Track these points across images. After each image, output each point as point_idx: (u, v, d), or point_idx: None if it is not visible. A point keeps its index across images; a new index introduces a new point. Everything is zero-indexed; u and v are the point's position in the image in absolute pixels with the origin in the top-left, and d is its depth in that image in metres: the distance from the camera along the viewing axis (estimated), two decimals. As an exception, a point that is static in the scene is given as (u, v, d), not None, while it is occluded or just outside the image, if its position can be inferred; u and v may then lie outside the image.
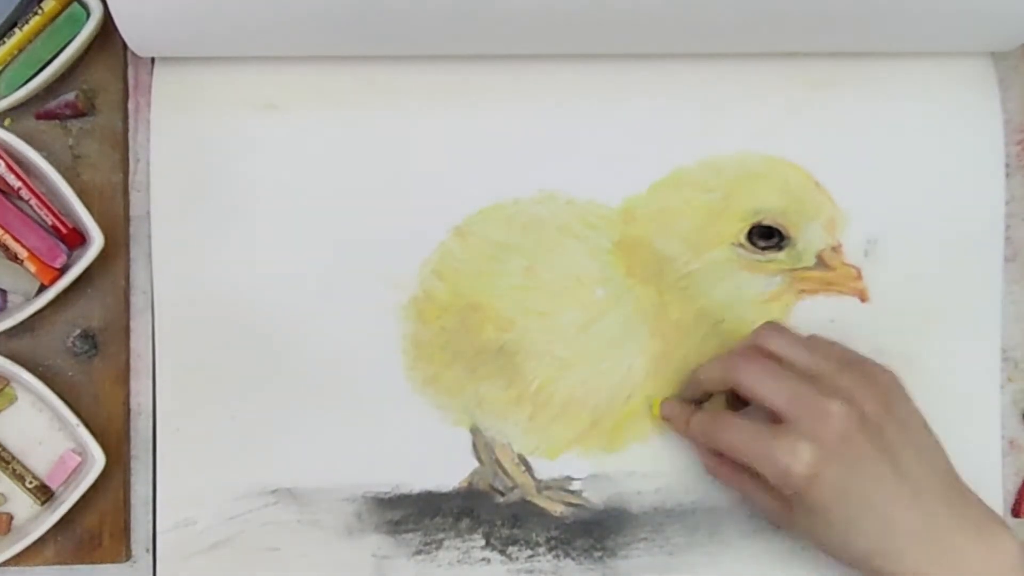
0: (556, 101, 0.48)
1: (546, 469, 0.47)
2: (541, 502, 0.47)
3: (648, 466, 0.47)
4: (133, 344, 0.47)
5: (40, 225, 0.46)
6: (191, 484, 0.46)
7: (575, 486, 0.47)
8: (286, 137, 0.47)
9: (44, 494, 0.45)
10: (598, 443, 0.47)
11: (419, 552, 0.47)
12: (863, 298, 0.48)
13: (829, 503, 0.40)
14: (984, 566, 0.39)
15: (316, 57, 0.47)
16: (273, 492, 0.47)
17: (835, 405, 0.39)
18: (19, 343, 0.46)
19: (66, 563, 0.46)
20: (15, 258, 0.45)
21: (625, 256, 0.48)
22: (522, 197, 0.48)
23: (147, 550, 0.47)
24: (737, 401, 0.44)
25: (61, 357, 0.46)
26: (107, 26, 0.45)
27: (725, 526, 0.47)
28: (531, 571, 0.47)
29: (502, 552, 0.47)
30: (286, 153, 0.47)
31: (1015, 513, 0.48)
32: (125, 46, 0.46)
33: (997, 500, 0.47)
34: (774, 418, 0.41)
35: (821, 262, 0.48)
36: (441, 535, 0.47)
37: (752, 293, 0.47)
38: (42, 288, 0.45)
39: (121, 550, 0.46)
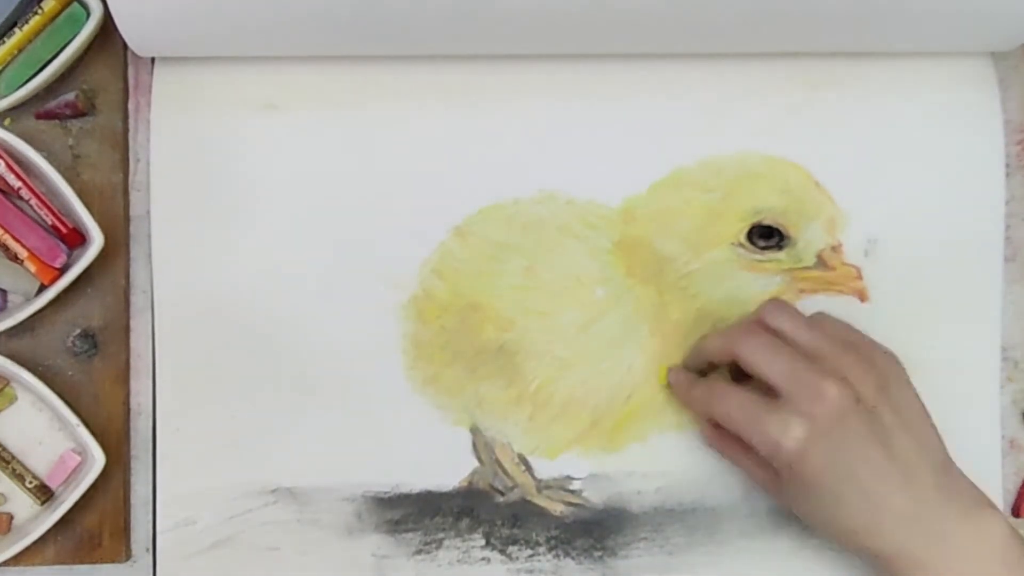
0: (556, 101, 0.48)
1: (546, 469, 0.47)
2: (541, 502, 0.47)
3: (648, 466, 0.47)
4: (133, 344, 0.47)
5: (40, 225, 0.46)
6: (191, 484, 0.46)
7: (575, 486, 0.47)
8: (286, 137, 0.47)
9: (44, 494, 0.45)
10: (598, 443, 0.47)
11: (419, 552, 0.47)
12: (863, 298, 0.48)
13: (817, 479, 0.40)
14: (971, 547, 0.39)
15: (316, 57, 0.47)
16: (273, 492, 0.47)
17: (830, 384, 0.40)
18: (19, 343, 0.46)
19: (66, 563, 0.46)
20: (15, 258, 0.45)
21: (625, 256, 0.48)
22: (522, 197, 0.48)
23: (147, 550, 0.47)
24: (740, 375, 0.44)
25: (61, 357, 0.46)
26: (107, 26, 0.45)
27: (725, 526, 0.47)
28: (531, 571, 0.47)
29: (502, 552, 0.47)
30: (286, 153, 0.47)
31: (1015, 513, 0.48)
32: (125, 46, 0.46)
33: (997, 500, 0.47)
34: (772, 393, 0.41)
35: (821, 262, 0.48)
36: (441, 535, 0.47)
37: (752, 293, 0.47)
38: (42, 288, 0.45)
39: (121, 550, 0.46)
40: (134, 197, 0.48)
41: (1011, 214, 0.48)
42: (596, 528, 0.47)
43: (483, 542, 0.47)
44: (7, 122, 0.46)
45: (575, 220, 0.48)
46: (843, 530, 0.41)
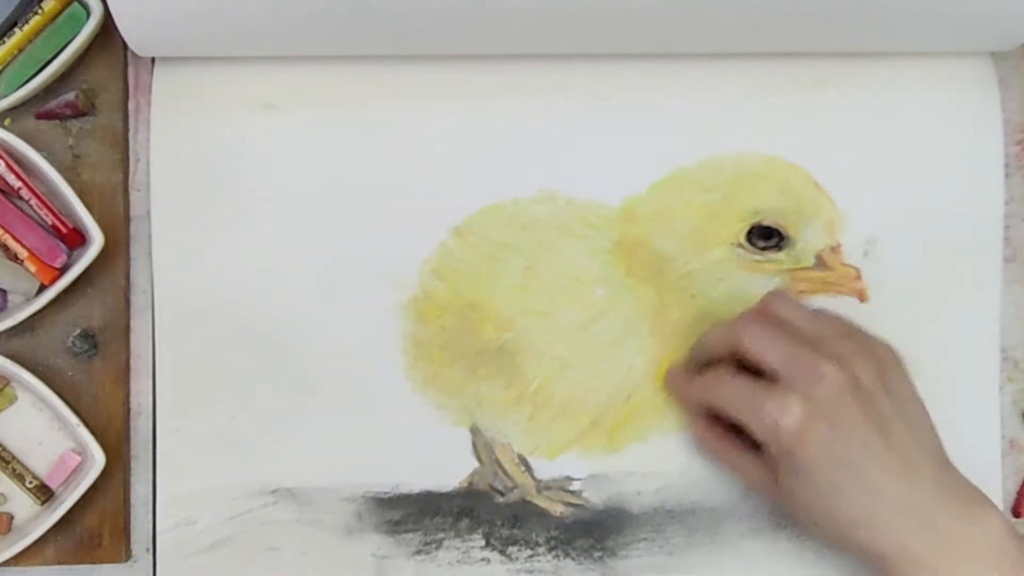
0: (556, 101, 0.48)
1: (546, 469, 0.47)
2: (541, 502, 0.47)
3: (648, 466, 0.47)
4: (133, 344, 0.47)
5: (40, 225, 0.46)
6: (191, 484, 0.46)
7: (575, 486, 0.47)
8: (286, 137, 0.47)
9: (44, 494, 0.45)
10: (598, 443, 0.47)
11: (419, 552, 0.47)
12: (862, 298, 0.48)
13: (814, 463, 0.40)
14: (970, 543, 0.39)
15: (316, 57, 0.47)
16: (273, 492, 0.47)
17: (829, 366, 0.40)
18: (19, 343, 0.46)
19: (66, 563, 0.46)
20: (15, 258, 0.45)
21: (625, 256, 0.48)
22: (522, 197, 0.48)
23: (147, 550, 0.47)
24: (742, 370, 0.44)
25: (61, 357, 0.46)
26: (107, 26, 0.45)
27: (725, 526, 0.47)
28: (531, 571, 0.47)
29: (502, 552, 0.47)
30: (286, 153, 0.47)
31: (1015, 513, 0.48)
32: (125, 46, 0.46)
33: (997, 500, 0.47)
34: (773, 382, 0.41)
35: (820, 262, 0.48)
36: (441, 535, 0.47)
37: (752, 293, 0.47)
38: (42, 288, 0.45)
39: (121, 550, 0.46)
40: (134, 197, 0.48)
41: (1011, 214, 0.48)
42: (596, 528, 0.47)
43: (483, 542, 0.47)
44: (7, 122, 0.46)
45: (575, 220, 0.48)
46: (840, 523, 0.40)
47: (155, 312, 0.47)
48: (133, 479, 0.47)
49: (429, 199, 0.47)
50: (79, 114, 0.47)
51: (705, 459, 0.47)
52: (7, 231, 0.45)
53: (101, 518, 0.46)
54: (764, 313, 0.44)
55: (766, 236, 0.48)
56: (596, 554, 0.47)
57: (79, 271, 0.44)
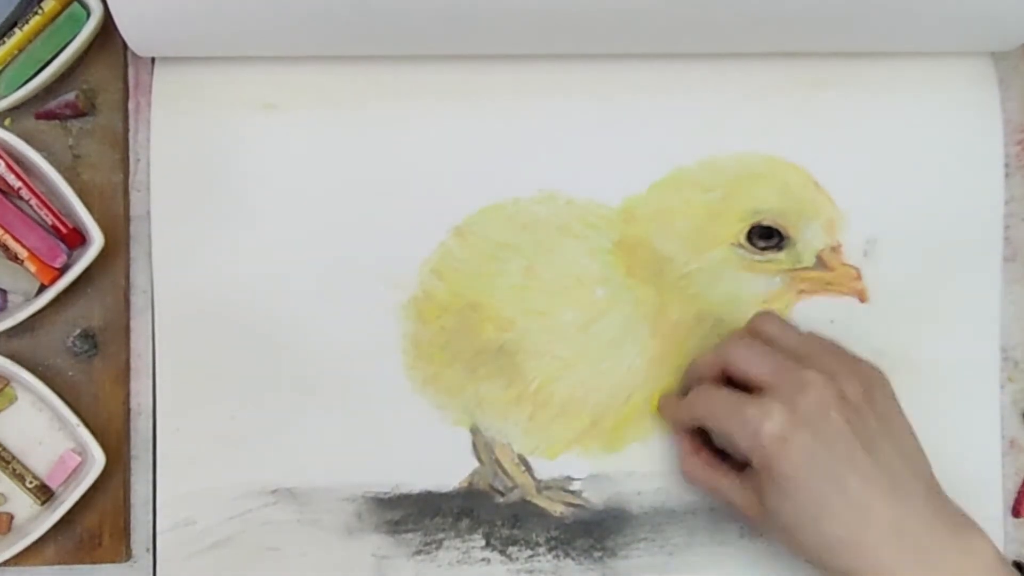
0: (556, 101, 0.48)
1: (546, 469, 0.47)
2: (541, 502, 0.47)
3: (648, 466, 0.47)
4: (133, 344, 0.47)
5: (40, 225, 0.46)
6: (191, 484, 0.46)
7: (575, 486, 0.47)
8: (286, 137, 0.47)
9: (44, 494, 0.45)
10: (598, 443, 0.47)
11: (419, 552, 0.47)
12: (862, 298, 0.48)
13: (797, 474, 0.39)
14: (958, 566, 0.38)
15: (316, 57, 0.47)
16: (273, 492, 0.47)
17: (815, 376, 0.40)
18: (19, 343, 0.46)
19: (66, 563, 0.46)
20: (15, 258, 0.45)
21: (625, 256, 0.48)
22: (522, 197, 0.48)
23: (147, 550, 0.47)
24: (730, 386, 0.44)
25: (61, 357, 0.46)
26: (107, 26, 0.45)
27: (725, 526, 0.47)
28: (531, 571, 0.47)
29: (502, 552, 0.47)
30: (286, 153, 0.47)
31: (1015, 513, 0.48)
32: (125, 46, 0.46)
33: (997, 500, 0.47)
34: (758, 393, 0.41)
35: (821, 262, 0.48)
36: (441, 535, 0.47)
37: (752, 293, 0.47)
38: (42, 288, 0.45)
39: (121, 550, 0.46)
40: (134, 197, 0.48)
41: (1011, 214, 0.48)
42: (596, 528, 0.47)
43: (483, 542, 0.47)
44: (7, 122, 0.46)
45: (575, 220, 0.48)
46: (824, 544, 0.39)
47: (155, 312, 0.47)
48: (133, 479, 0.47)
49: (429, 199, 0.47)
50: (79, 114, 0.47)
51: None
52: (7, 231, 0.45)
53: (101, 518, 0.46)
54: (752, 331, 0.44)
55: (766, 236, 0.48)
56: (596, 554, 0.47)
57: (79, 271, 0.44)
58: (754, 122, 0.48)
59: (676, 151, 0.48)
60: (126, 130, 0.47)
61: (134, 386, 0.47)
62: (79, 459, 0.46)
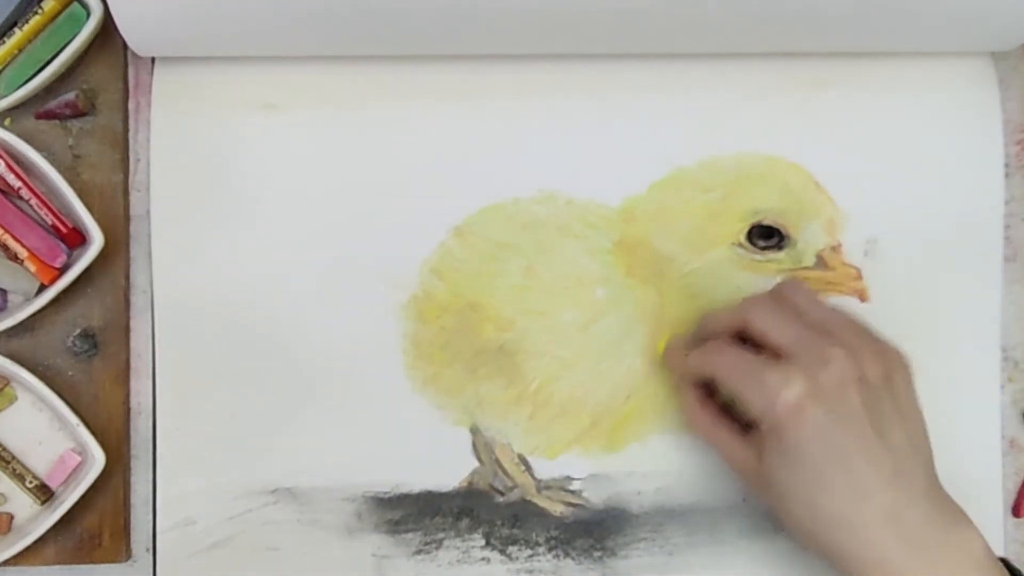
0: (556, 101, 0.48)
1: (546, 469, 0.47)
2: (541, 502, 0.47)
3: (648, 466, 0.47)
4: (133, 344, 0.47)
5: (40, 225, 0.46)
6: (191, 484, 0.46)
7: (575, 486, 0.47)
8: (286, 137, 0.47)
9: (44, 494, 0.45)
10: (598, 443, 0.47)
11: (419, 552, 0.47)
12: (863, 298, 0.48)
13: (805, 445, 0.39)
14: (950, 559, 0.38)
15: (316, 57, 0.47)
16: (273, 492, 0.47)
17: (838, 352, 0.39)
18: (19, 343, 0.46)
19: (66, 563, 0.46)
20: (15, 258, 0.45)
21: (625, 256, 0.48)
22: (522, 197, 0.48)
23: (147, 550, 0.47)
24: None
25: (61, 357, 0.46)
26: (107, 26, 0.45)
27: (725, 526, 0.47)
28: (531, 571, 0.47)
29: (502, 552, 0.47)
30: (286, 153, 0.47)
31: (1015, 513, 0.48)
32: (125, 46, 0.46)
33: (997, 500, 0.47)
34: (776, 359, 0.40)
35: (821, 262, 0.48)
36: (441, 535, 0.47)
37: (752, 293, 0.47)
38: (42, 288, 0.45)
39: (121, 550, 0.46)
40: (134, 197, 0.48)
41: (1011, 214, 0.48)
42: (596, 528, 0.47)
43: (483, 542, 0.47)
44: (7, 122, 0.46)
45: (575, 220, 0.48)
46: (819, 519, 0.39)
47: (155, 312, 0.47)
48: (133, 479, 0.47)
49: (429, 199, 0.47)
50: (79, 114, 0.47)
51: (708, 458, 0.47)
52: (7, 231, 0.45)
53: (101, 518, 0.46)
54: (776, 296, 0.43)
55: (766, 236, 0.48)
56: (596, 554, 0.47)
57: (79, 271, 0.44)
58: (754, 122, 0.48)
59: (676, 151, 0.48)
60: (126, 130, 0.47)
61: (134, 386, 0.47)
62: (79, 459, 0.46)
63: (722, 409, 0.44)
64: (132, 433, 0.47)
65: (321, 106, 0.47)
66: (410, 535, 0.47)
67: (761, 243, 0.48)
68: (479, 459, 0.47)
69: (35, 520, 0.45)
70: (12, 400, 0.46)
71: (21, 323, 0.44)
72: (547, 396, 0.47)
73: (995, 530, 0.47)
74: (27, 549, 0.44)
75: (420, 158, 0.48)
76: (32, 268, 0.45)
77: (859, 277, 0.48)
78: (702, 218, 0.48)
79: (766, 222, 0.48)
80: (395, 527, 0.47)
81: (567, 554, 0.47)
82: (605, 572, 0.47)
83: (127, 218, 0.47)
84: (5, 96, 0.45)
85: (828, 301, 0.43)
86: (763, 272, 0.48)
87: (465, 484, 0.47)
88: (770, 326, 0.41)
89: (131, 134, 0.48)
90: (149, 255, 0.47)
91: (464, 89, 0.48)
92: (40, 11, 0.45)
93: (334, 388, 0.47)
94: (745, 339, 0.42)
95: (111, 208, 0.47)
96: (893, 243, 0.48)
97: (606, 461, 0.47)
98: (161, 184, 0.47)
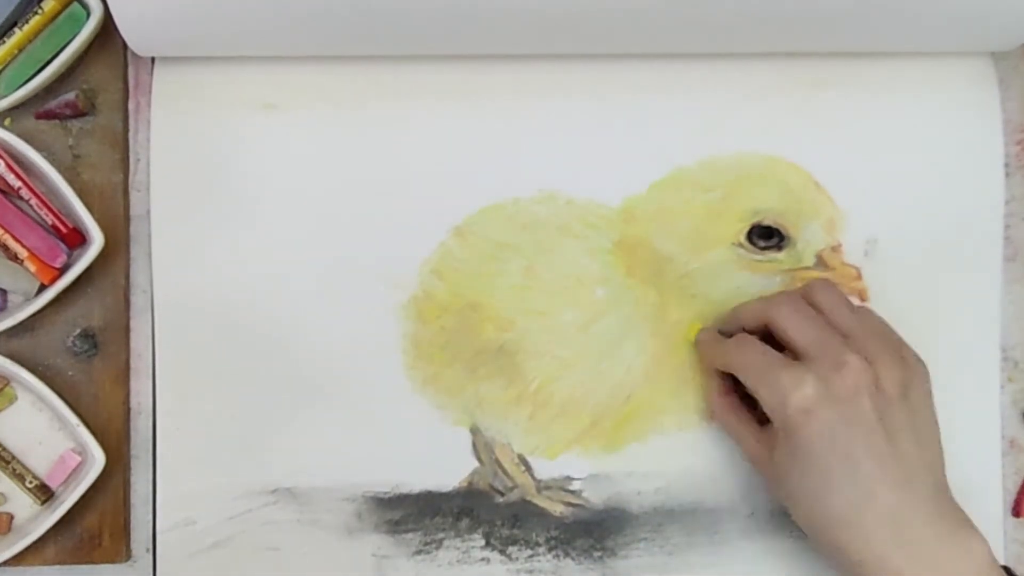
0: (556, 101, 0.48)
1: (546, 469, 0.47)
2: (541, 502, 0.47)
3: (648, 466, 0.47)
4: (133, 344, 0.47)
5: (40, 225, 0.46)
6: (191, 484, 0.46)
7: (575, 486, 0.47)
8: (286, 137, 0.47)
9: (44, 494, 0.45)
10: (598, 443, 0.47)
11: (419, 552, 0.47)
12: (863, 298, 0.48)
13: (813, 447, 0.39)
14: (952, 564, 0.38)
15: (316, 57, 0.47)
16: (273, 492, 0.47)
17: (855, 358, 0.40)
18: (19, 343, 0.46)
19: (66, 563, 0.46)
20: (15, 258, 0.45)
21: (625, 256, 0.48)
22: (522, 197, 0.48)
23: (147, 550, 0.47)
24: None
25: (61, 357, 0.46)
26: (107, 26, 0.45)
27: (725, 526, 0.47)
28: (531, 571, 0.47)
29: (502, 552, 0.47)
30: (286, 153, 0.47)
31: (1015, 513, 0.48)
32: (125, 46, 0.46)
33: (997, 500, 0.47)
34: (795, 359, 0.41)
35: (821, 262, 0.48)
36: (441, 535, 0.47)
37: (752, 293, 0.47)
38: (42, 288, 0.45)
39: (121, 550, 0.46)
40: (134, 197, 0.48)
41: (1011, 214, 0.48)
42: (596, 528, 0.47)
43: (483, 542, 0.47)
44: (7, 122, 0.46)
45: (575, 220, 0.48)
46: (824, 517, 0.40)
47: (155, 312, 0.47)
48: (133, 479, 0.47)
49: (429, 199, 0.47)
50: (79, 114, 0.47)
51: (708, 458, 0.47)
52: (7, 231, 0.45)
53: (101, 518, 0.46)
54: (804, 295, 0.43)
55: (766, 236, 0.48)
56: (596, 554, 0.47)
57: (79, 271, 0.44)
58: (754, 122, 0.48)
59: (676, 151, 0.48)
60: (126, 130, 0.47)
61: (134, 386, 0.47)
62: (79, 459, 0.46)
63: (744, 400, 0.44)
64: (132, 433, 0.47)
65: (321, 106, 0.47)
66: (410, 535, 0.47)
67: (761, 243, 0.48)
68: (479, 459, 0.47)
69: (35, 520, 0.45)
70: (12, 400, 0.46)
71: (21, 323, 0.44)
72: (547, 396, 0.47)
73: (995, 530, 0.47)
74: (27, 549, 0.44)
75: (420, 158, 0.48)
76: (32, 268, 0.45)
77: (859, 277, 0.48)
78: (702, 218, 0.48)
79: (766, 222, 0.48)
80: (395, 527, 0.47)
81: (567, 554, 0.47)
82: (605, 572, 0.47)
83: (127, 218, 0.47)
84: (5, 96, 0.45)
85: (852, 305, 0.43)
86: (763, 272, 0.48)
87: (465, 484, 0.47)
88: (791, 325, 0.41)
89: (131, 134, 0.48)
90: (149, 255, 0.47)
91: (464, 89, 0.48)
92: (40, 11, 0.45)
93: (334, 388, 0.47)
94: (771, 335, 0.43)
95: (111, 208, 0.47)
96: (893, 243, 0.48)
97: (606, 461, 0.47)
98: (161, 184, 0.47)
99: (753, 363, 0.42)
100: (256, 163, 0.47)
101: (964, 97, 0.48)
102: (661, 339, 0.47)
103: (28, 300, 0.45)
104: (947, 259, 0.48)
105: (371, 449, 0.47)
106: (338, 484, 0.47)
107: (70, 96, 0.46)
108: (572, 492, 0.47)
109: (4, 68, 0.45)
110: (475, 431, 0.47)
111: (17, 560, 0.45)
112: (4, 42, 0.45)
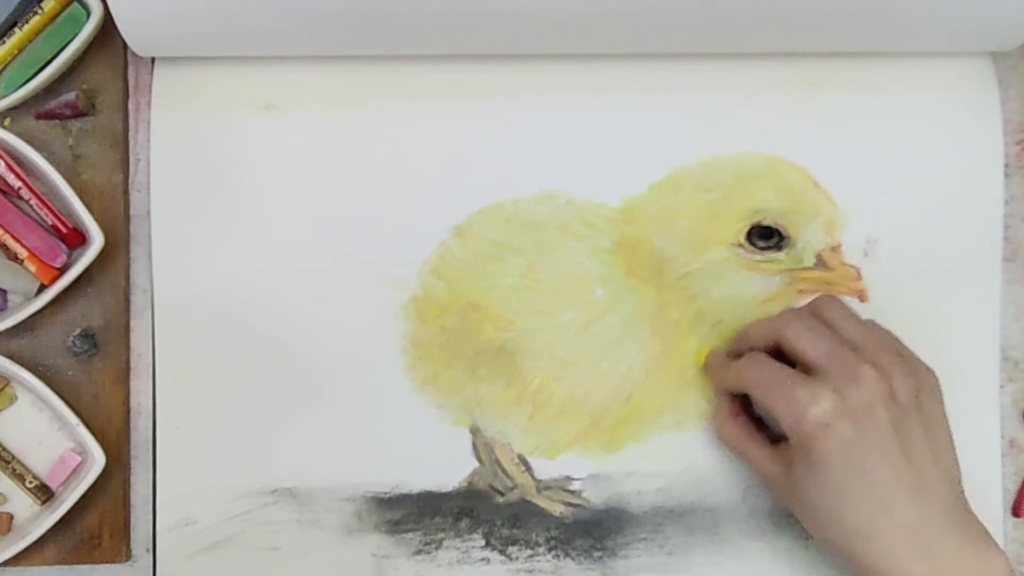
0: (556, 101, 0.48)
1: (546, 469, 0.47)
2: (541, 502, 0.47)
3: (648, 466, 0.47)
4: (133, 344, 0.47)
5: (40, 225, 0.46)
6: (191, 484, 0.46)
7: (575, 486, 0.47)
8: (286, 137, 0.47)
9: (44, 494, 0.45)
10: (598, 443, 0.47)
11: (419, 552, 0.47)
12: (863, 298, 0.48)
13: (830, 460, 0.39)
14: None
15: (316, 57, 0.47)
16: (273, 492, 0.47)
17: (869, 370, 0.40)
18: (19, 343, 0.46)
19: (66, 563, 0.46)
20: (15, 258, 0.45)
21: (625, 256, 0.48)
22: (522, 197, 0.48)
23: (147, 550, 0.47)
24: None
25: (61, 357, 0.46)
26: (107, 26, 0.45)
27: (725, 526, 0.47)
28: (531, 571, 0.47)
29: (502, 552, 0.47)
30: (286, 153, 0.47)
31: (1015, 513, 0.48)
32: (125, 46, 0.46)
33: (997, 500, 0.47)
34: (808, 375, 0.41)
35: (821, 262, 0.48)
36: (441, 535, 0.47)
37: (752, 293, 0.47)
38: (42, 288, 0.45)
39: (121, 550, 0.46)
40: (134, 197, 0.48)
41: (1011, 214, 0.48)
42: (596, 528, 0.47)
43: (483, 542, 0.47)
44: (7, 122, 0.46)
45: (575, 220, 0.48)
46: (842, 529, 0.40)
47: (155, 312, 0.47)
48: (133, 479, 0.47)
49: (429, 199, 0.47)
50: (79, 114, 0.47)
51: (708, 458, 0.47)
52: (7, 231, 0.45)
53: (101, 518, 0.46)
54: (812, 311, 0.43)
55: (766, 236, 0.48)
56: (596, 554, 0.47)
57: (79, 271, 0.44)
58: (754, 122, 0.48)
59: (676, 151, 0.48)
60: (126, 130, 0.47)
61: (134, 386, 0.47)
62: (79, 459, 0.46)
63: (755, 422, 0.45)
64: (132, 433, 0.47)
65: (321, 106, 0.47)
66: (410, 535, 0.47)
67: (761, 243, 0.48)
68: (479, 459, 0.47)
69: (35, 520, 0.45)
70: (12, 400, 0.46)
71: (21, 323, 0.44)
72: (547, 396, 0.47)
73: (995, 530, 0.47)
74: (27, 549, 0.44)
75: (420, 158, 0.48)
76: (32, 268, 0.45)
77: (859, 277, 0.48)
78: (702, 218, 0.48)
79: (766, 222, 0.48)
80: (395, 527, 0.47)
81: (567, 554, 0.47)
82: (605, 572, 0.47)
83: (127, 218, 0.47)
84: (5, 96, 0.45)
85: (860, 318, 0.43)
86: (763, 272, 0.48)
87: (465, 484, 0.47)
88: (803, 341, 0.42)
89: (131, 134, 0.48)
90: (149, 255, 0.47)
91: (464, 89, 0.48)
92: (40, 11, 0.45)
93: (334, 388, 0.47)
94: (782, 353, 0.43)
95: (111, 208, 0.47)
96: (893, 243, 0.48)
97: (606, 461, 0.47)
98: (161, 184, 0.47)
99: (767, 380, 0.42)
100: (256, 163, 0.47)
101: (964, 97, 0.48)
102: (661, 339, 0.47)
103: (28, 300, 0.45)
104: (947, 259, 0.48)
105: (371, 449, 0.47)
106: (338, 484, 0.47)
107: (70, 96, 0.46)
108: (572, 492, 0.47)
109: (4, 68, 0.45)
110: (475, 431, 0.47)
111: (17, 560, 0.45)
112: (4, 42, 0.45)
